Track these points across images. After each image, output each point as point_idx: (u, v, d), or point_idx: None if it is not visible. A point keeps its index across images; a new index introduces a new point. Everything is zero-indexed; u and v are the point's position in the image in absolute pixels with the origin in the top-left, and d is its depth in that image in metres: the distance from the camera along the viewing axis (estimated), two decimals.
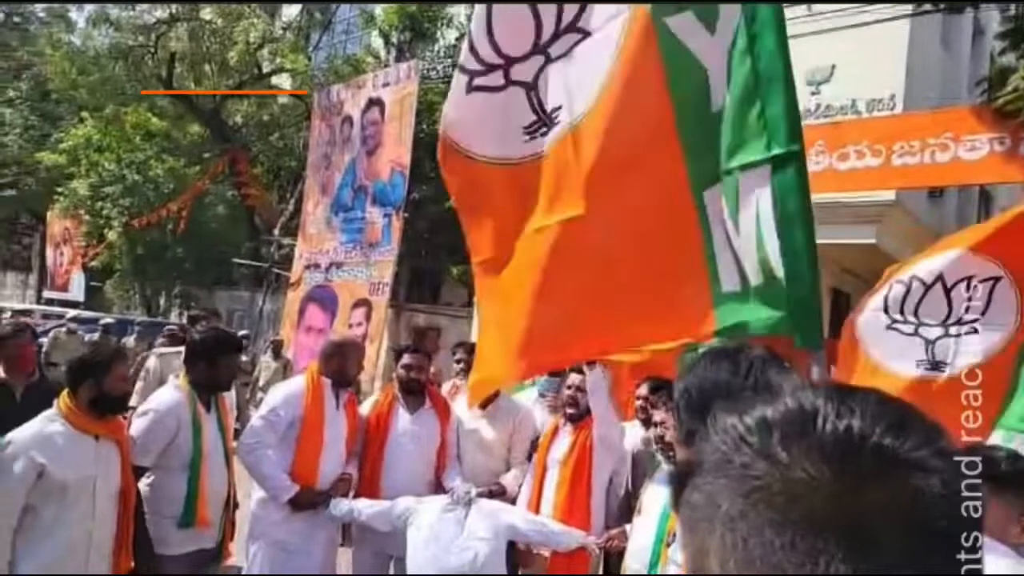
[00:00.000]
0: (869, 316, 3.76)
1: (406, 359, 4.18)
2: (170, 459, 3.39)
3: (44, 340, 10.86)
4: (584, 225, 2.75)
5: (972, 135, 6.86)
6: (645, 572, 3.25)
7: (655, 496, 3.36)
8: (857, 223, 9.46)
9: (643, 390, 3.91)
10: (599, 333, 2.80)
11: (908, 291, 3.63)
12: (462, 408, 4.35)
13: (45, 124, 25.21)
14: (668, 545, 3.14)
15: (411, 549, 3.58)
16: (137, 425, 3.39)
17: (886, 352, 3.68)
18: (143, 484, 3.38)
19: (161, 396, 3.55)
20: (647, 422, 3.84)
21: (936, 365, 3.50)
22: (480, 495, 3.77)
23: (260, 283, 19.64)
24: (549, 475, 3.91)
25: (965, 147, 6.90)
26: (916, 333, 3.60)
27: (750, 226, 2.30)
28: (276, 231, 18.19)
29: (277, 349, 10.56)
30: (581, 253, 2.76)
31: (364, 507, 3.77)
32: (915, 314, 3.62)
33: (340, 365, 3.91)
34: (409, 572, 3.57)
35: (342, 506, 3.76)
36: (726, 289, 2.47)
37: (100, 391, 3.01)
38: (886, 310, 3.70)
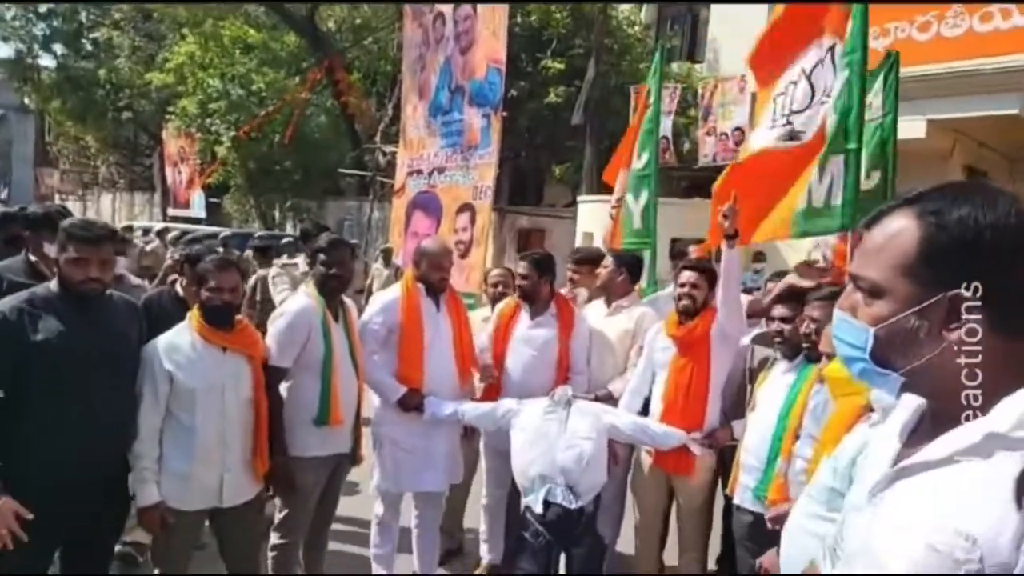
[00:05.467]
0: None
1: (518, 267, 4.26)
2: (304, 363, 3.52)
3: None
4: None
5: None
6: (761, 468, 3.23)
7: (773, 392, 3.29)
8: (997, 92, 8.58)
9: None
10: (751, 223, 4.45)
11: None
12: (591, 311, 4.40)
13: (151, 44, 25.87)
14: (797, 438, 3.08)
15: (516, 449, 3.66)
16: (272, 330, 3.52)
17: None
18: (282, 389, 3.52)
19: (293, 301, 3.68)
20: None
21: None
22: (584, 399, 3.79)
23: (366, 192, 19.98)
24: (661, 375, 3.84)
25: None
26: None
27: (827, 179, 4.18)
28: (377, 138, 18.27)
29: (387, 256, 10.76)
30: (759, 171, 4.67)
31: (468, 409, 3.88)
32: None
33: (424, 271, 3.94)
34: (516, 471, 3.64)
35: (447, 407, 3.84)
36: (798, 208, 4.31)
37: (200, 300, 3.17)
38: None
